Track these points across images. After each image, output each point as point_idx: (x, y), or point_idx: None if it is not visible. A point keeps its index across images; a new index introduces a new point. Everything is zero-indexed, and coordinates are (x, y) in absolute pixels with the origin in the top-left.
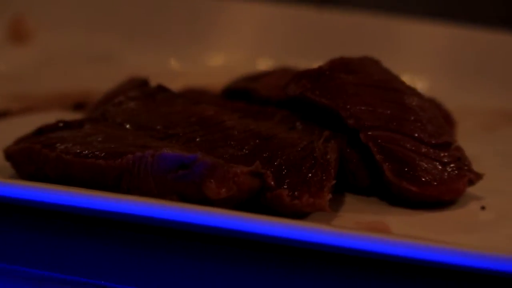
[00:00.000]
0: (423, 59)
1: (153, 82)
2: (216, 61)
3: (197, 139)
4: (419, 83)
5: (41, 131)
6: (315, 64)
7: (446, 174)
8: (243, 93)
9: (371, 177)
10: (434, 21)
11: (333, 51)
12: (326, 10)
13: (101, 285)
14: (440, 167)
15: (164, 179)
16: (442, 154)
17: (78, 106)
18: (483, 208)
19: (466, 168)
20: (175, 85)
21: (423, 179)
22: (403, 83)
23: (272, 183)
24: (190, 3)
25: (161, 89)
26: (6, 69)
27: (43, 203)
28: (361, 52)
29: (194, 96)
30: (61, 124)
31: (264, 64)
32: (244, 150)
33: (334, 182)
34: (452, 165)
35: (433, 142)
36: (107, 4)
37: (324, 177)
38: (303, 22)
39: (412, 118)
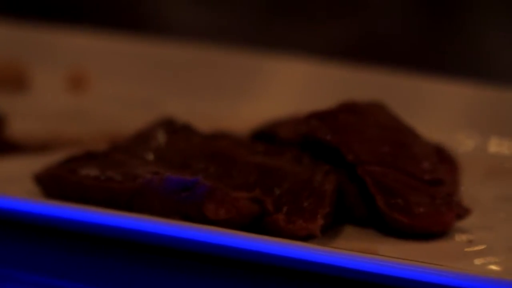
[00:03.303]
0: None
1: None
2: (256, 115)
3: (208, 170)
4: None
5: (69, 159)
6: None
7: (435, 207)
8: (268, 136)
9: (368, 209)
10: (454, 79)
11: None
12: (371, 69)
13: None
14: (429, 200)
15: (168, 200)
16: (433, 189)
17: (113, 143)
18: (470, 241)
19: (455, 203)
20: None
21: (413, 211)
22: (404, 125)
23: (271, 208)
24: (236, 59)
25: (185, 127)
26: (57, 111)
27: (61, 221)
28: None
29: (217, 135)
30: (87, 154)
31: None
32: (249, 180)
33: (328, 210)
34: (441, 200)
35: (425, 178)
36: (155, 59)
37: (318, 205)
38: (349, 81)
39: (407, 155)
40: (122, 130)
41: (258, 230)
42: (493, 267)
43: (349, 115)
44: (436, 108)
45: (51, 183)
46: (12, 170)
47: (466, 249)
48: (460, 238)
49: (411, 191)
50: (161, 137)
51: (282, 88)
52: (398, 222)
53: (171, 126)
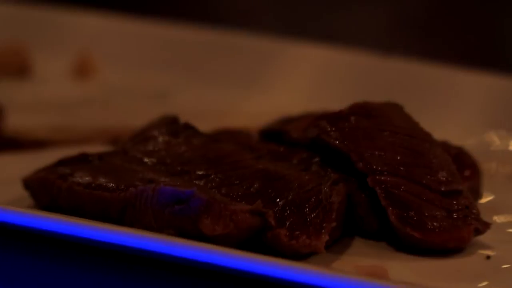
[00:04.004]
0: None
1: (200, 122)
2: (268, 105)
3: (208, 176)
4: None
5: (61, 163)
6: None
7: (451, 221)
8: (277, 135)
9: (380, 222)
10: (482, 72)
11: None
12: (387, 58)
13: None
14: (445, 214)
15: (162, 213)
16: (449, 202)
17: (115, 141)
18: (488, 257)
19: (473, 216)
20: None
21: (427, 225)
22: (421, 129)
23: (273, 222)
24: (247, 45)
25: (187, 127)
26: (60, 101)
27: (47, 232)
28: (419, 103)
29: (223, 136)
30: (81, 157)
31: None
32: (251, 189)
33: (334, 224)
34: (458, 213)
35: (441, 189)
36: (166, 44)
37: (324, 219)
38: (362, 70)
39: (423, 164)
40: (126, 123)
41: (259, 245)
42: None
43: (362, 118)
44: (464, 103)
45: (40, 189)
46: (3, 171)
47: (485, 267)
48: (479, 254)
49: (426, 204)
50: (162, 138)
51: (299, 74)
52: (411, 237)
53: (173, 125)
